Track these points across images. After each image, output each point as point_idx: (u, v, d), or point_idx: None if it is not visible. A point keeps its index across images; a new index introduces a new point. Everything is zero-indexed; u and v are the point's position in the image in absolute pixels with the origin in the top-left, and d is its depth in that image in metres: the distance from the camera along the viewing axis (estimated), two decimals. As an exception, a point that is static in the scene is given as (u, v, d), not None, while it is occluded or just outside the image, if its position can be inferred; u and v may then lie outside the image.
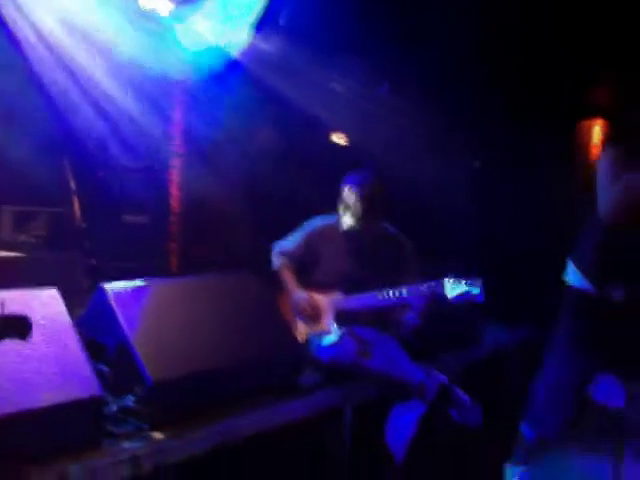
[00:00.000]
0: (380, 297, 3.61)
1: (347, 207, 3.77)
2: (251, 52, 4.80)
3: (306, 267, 3.86)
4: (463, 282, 3.44)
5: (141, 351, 2.72)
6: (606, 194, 3.06)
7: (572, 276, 3.37)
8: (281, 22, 4.80)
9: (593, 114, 6.74)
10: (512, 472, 3.45)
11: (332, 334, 3.59)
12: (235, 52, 4.74)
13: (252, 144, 5.26)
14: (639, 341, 3.25)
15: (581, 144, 6.59)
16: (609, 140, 6.02)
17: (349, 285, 3.72)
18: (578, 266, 3.33)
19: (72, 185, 4.32)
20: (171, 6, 4.48)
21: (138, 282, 3.03)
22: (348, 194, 3.76)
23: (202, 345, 2.93)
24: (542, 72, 5.74)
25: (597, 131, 6.70)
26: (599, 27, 5.34)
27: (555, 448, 3.93)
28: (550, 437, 3.41)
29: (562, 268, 3.42)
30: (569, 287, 3.38)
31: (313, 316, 3.71)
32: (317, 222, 3.93)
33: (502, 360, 4.75)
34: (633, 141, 3.15)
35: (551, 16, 5.29)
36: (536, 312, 4.41)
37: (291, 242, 3.91)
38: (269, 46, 4.83)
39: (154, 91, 4.80)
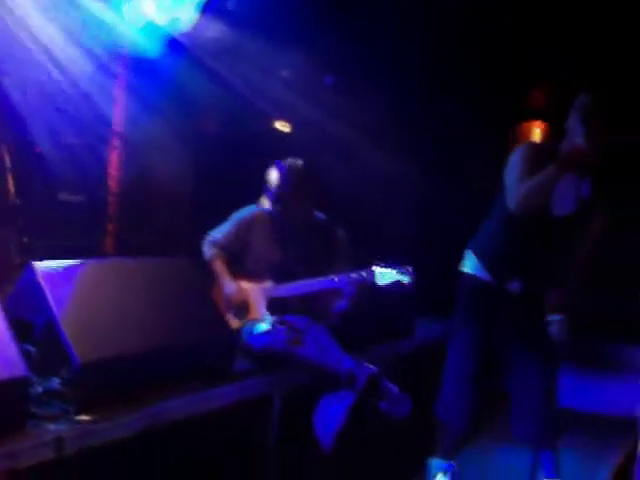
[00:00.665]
0: (311, 285, 3.63)
1: (271, 193, 3.81)
2: (196, 35, 4.74)
3: (237, 257, 3.85)
4: (393, 270, 3.48)
5: (69, 331, 2.67)
6: (517, 187, 3.12)
7: (471, 266, 3.45)
8: (229, 6, 4.76)
9: (531, 116, 6.91)
10: (436, 466, 3.50)
11: (264, 322, 3.59)
12: (179, 33, 4.68)
13: (195, 128, 5.21)
14: (532, 331, 3.36)
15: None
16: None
17: (279, 273, 3.74)
18: (479, 257, 3.41)
19: (7, 161, 4.21)
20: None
21: (70, 261, 2.98)
22: (272, 180, 3.80)
23: (133, 327, 2.90)
24: (483, 72, 5.85)
25: (535, 133, 6.86)
26: (540, 33, 5.48)
27: (478, 442, 4.03)
28: (458, 426, 3.47)
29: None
30: (467, 275, 3.45)
31: (245, 306, 3.71)
32: (247, 211, 3.95)
33: (434, 352, 4.81)
34: (552, 145, 3.24)
35: (494, 20, 5.41)
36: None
37: (221, 232, 3.90)
38: (215, 30, 4.78)
39: (96, 67, 4.69)
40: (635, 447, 3.36)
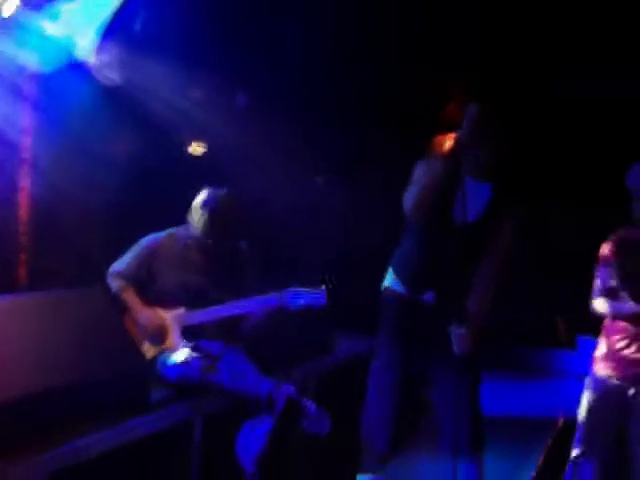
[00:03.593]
0: (224, 309, 3.61)
1: (196, 223, 3.78)
2: (103, 56, 4.67)
3: (144, 284, 3.76)
4: (306, 292, 3.50)
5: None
6: (411, 193, 3.23)
7: (389, 280, 3.50)
8: (136, 28, 4.70)
9: (448, 129, 7.03)
10: (362, 481, 3.51)
11: (178, 351, 3.54)
12: (85, 56, 4.59)
13: (107, 151, 5.11)
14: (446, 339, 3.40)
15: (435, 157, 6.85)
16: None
17: (192, 299, 3.67)
18: (395, 272, 3.47)
19: None
20: (16, 6, 4.29)
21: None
22: (197, 210, 3.78)
23: (40, 365, 2.84)
24: (398, 85, 5.91)
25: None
26: (459, 43, 5.58)
27: (403, 454, 4.06)
28: (380, 439, 3.47)
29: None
30: (385, 290, 3.50)
31: (160, 333, 3.64)
32: (151, 239, 3.86)
33: (356, 367, 4.82)
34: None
35: (410, 30, 5.47)
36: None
37: (124, 263, 3.80)
38: (122, 52, 4.71)
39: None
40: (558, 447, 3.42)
